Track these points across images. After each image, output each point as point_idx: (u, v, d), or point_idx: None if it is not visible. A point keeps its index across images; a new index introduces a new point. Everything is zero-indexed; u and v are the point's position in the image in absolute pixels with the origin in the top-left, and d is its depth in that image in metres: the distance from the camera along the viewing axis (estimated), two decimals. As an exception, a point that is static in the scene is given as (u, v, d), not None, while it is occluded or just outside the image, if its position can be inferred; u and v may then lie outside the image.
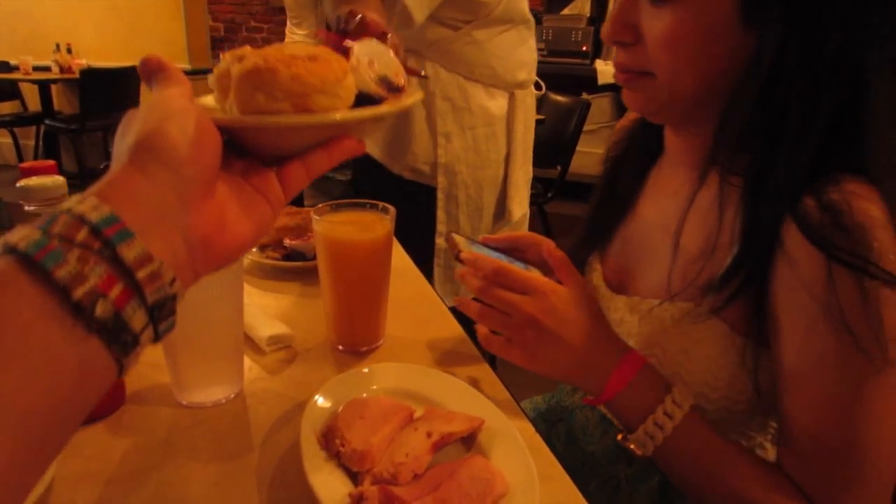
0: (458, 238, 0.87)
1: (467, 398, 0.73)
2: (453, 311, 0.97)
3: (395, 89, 0.55)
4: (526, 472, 0.61)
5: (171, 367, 0.76)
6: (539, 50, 1.87)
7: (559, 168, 3.42)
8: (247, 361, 0.85)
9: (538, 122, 3.22)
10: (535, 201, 3.35)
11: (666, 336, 0.75)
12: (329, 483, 0.59)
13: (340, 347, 0.90)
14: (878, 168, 0.62)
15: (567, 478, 0.66)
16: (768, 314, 0.67)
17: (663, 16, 0.66)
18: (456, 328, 0.98)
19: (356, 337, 0.89)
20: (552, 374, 0.75)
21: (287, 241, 1.17)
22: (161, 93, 0.44)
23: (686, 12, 0.65)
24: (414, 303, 1.05)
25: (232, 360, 0.78)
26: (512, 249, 0.91)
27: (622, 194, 0.92)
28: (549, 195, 3.32)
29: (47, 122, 5.36)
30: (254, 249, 1.19)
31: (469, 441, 0.68)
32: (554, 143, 3.46)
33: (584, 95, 3.58)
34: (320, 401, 0.69)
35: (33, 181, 0.66)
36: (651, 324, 0.77)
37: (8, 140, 6.06)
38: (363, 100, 0.52)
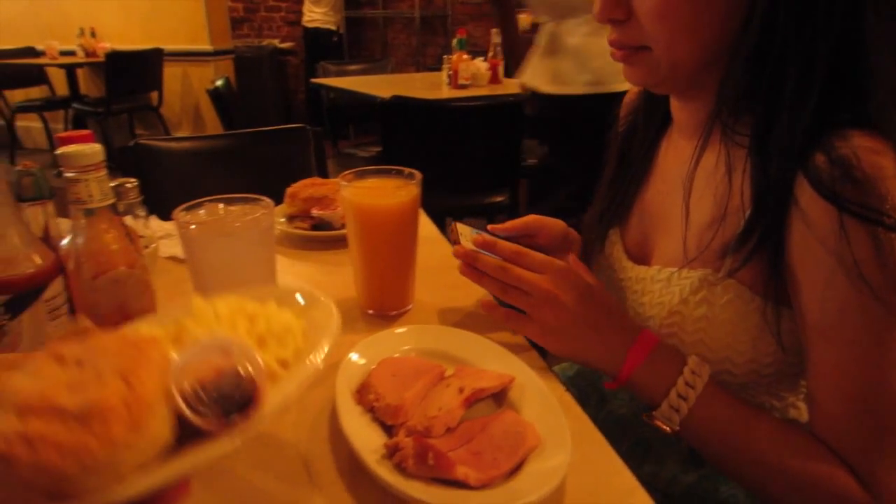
0: (460, 227, 0.88)
1: (498, 358, 0.74)
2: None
3: (239, 410, 0.41)
4: (557, 426, 0.62)
5: (208, 329, 0.78)
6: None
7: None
8: (280, 326, 0.87)
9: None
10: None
11: (686, 304, 0.75)
12: (365, 435, 0.61)
13: (370, 311, 0.91)
14: (882, 115, 0.61)
15: (598, 434, 0.67)
16: (787, 273, 0.67)
17: None
18: (484, 294, 0.98)
19: (385, 301, 0.90)
20: (570, 352, 0.76)
21: (314, 212, 1.19)
22: None
23: None
24: (441, 269, 1.06)
25: (266, 323, 0.80)
26: (521, 236, 0.92)
27: (635, 167, 0.92)
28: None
29: (75, 105, 5.44)
30: (282, 220, 1.21)
31: (500, 398, 0.69)
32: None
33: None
34: (354, 358, 0.71)
35: (72, 148, 0.67)
36: (671, 292, 0.77)
37: (38, 124, 6.16)
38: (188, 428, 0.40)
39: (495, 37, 3.35)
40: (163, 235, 1.19)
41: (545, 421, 0.63)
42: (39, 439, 0.35)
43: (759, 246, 0.67)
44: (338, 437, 0.65)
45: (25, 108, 5.77)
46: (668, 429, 0.70)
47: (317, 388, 0.74)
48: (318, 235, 1.16)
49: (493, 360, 0.73)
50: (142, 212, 1.09)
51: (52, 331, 0.77)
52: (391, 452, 0.58)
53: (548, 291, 0.74)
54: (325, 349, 0.49)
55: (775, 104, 0.64)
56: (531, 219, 0.95)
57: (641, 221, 0.89)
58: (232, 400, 0.41)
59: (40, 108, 5.86)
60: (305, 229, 1.18)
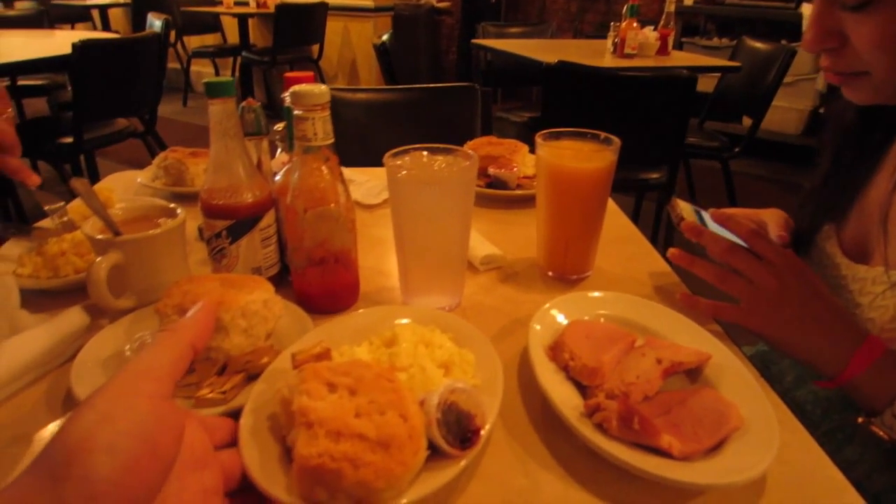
0: (681, 203, 0.87)
1: (691, 334, 0.72)
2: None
3: (465, 440, 0.52)
4: (761, 409, 0.60)
5: (402, 273, 0.82)
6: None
7: (749, 122, 3.17)
8: (462, 277, 0.89)
9: (732, 69, 3.02)
10: (719, 156, 3.16)
11: None
12: (561, 392, 0.62)
13: (550, 273, 0.92)
14: None
15: (798, 423, 0.64)
16: None
17: (866, 20, 0.64)
18: (663, 266, 0.96)
19: (568, 264, 0.90)
20: (789, 346, 0.73)
21: (491, 170, 1.20)
22: (137, 367, 0.40)
23: (889, 12, 0.62)
24: (620, 240, 1.05)
25: (456, 272, 0.82)
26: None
27: (859, 164, 0.87)
28: (736, 150, 3.10)
29: (244, 53, 5.79)
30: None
31: (694, 374, 0.68)
32: (747, 94, 3.22)
33: (784, 43, 3.27)
34: (545, 316, 0.72)
35: (304, 87, 0.72)
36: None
37: (209, 70, 6.63)
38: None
39: (669, 5, 3.19)
40: (345, 180, 1.25)
41: (747, 403, 0.60)
42: (359, 460, 0.45)
43: None
44: (528, 390, 0.66)
45: (200, 54, 6.23)
46: (886, 436, 0.66)
47: (504, 341, 0.75)
48: (495, 194, 1.18)
49: (686, 336, 0.71)
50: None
51: (263, 258, 0.83)
52: (591, 411, 0.58)
53: (774, 284, 0.72)
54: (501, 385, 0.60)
55: None
56: (768, 212, 0.93)
57: (861, 220, 0.84)
58: (464, 429, 0.52)
59: (213, 54, 6.29)
60: (481, 186, 1.20)
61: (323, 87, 0.72)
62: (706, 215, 0.88)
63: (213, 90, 0.76)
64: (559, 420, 0.59)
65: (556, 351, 0.67)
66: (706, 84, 3.61)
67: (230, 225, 0.80)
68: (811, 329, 0.71)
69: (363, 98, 1.86)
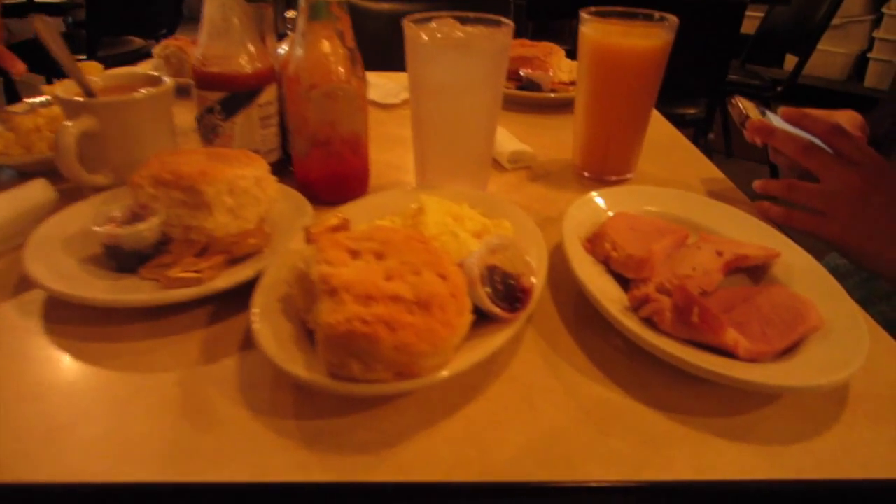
0: (742, 101, 0.76)
1: (754, 231, 0.61)
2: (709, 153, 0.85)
3: (516, 301, 0.46)
4: (844, 308, 0.49)
5: (419, 160, 0.72)
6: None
7: (790, 67, 2.97)
8: (487, 174, 0.79)
9: (781, 1, 2.81)
10: (760, 95, 2.97)
11: None
12: (600, 284, 0.52)
13: (586, 174, 0.81)
14: None
15: (884, 333, 0.53)
16: None
17: None
18: (715, 172, 0.85)
19: (607, 163, 0.79)
20: (871, 257, 0.64)
21: (523, 71, 1.08)
22: None
23: None
24: (665, 145, 0.93)
25: (480, 162, 0.72)
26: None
27: None
28: (779, 89, 2.91)
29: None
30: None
31: (757, 275, 0.57)
32: (793, 32, 3.01)
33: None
34: (581, 208, 0.62)
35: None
36: None
37: None
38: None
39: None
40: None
41: (826, 303, 0.50)
42: (396, 322, 0.38)
43: None
44: (558, 287, 0.57)
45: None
46: None
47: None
48: (527, 97, 1.06)
49: (749, 233, 0.61)
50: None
51: (261, 140, 0.74)
52: (638, 304, 0.49)
53: (858, 185, 0.62)
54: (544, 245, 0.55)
55: None
56: (843, 115, 0.84)
57: None
58: (511, 290, 0.46)
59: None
60: (512, 89, 1.08)
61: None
62: (773, 115, 0.77)
63: (207, -68, 0.65)
64: (597, 316, 0.49)
65: (594, 242, 0.57)
66: (748, 25, 3.40)
67: (224, 98, 0.70)
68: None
69: (387, 9, 1.73)
